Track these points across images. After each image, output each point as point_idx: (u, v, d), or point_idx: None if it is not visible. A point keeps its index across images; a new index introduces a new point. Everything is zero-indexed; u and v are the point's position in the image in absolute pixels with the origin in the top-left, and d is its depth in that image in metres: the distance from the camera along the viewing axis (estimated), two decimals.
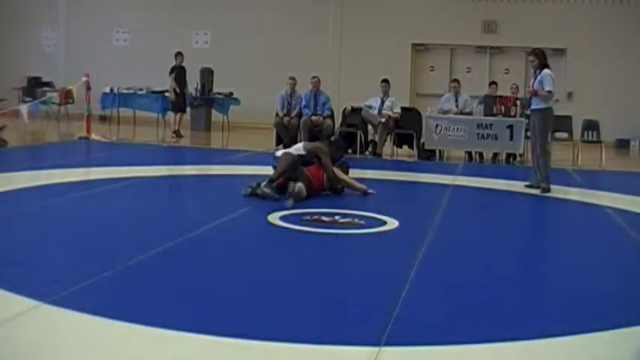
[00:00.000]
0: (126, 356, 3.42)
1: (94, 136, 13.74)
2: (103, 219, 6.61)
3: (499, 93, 13.47)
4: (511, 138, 12.27)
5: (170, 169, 10.69)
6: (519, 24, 17.06)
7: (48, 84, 18.51)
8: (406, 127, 13.26)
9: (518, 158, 12.90)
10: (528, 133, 10.96)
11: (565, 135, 13.38)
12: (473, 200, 9.01)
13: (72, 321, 3.79)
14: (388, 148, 13.31)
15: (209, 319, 3.88)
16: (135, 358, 3.42)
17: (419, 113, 13.53)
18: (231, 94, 16.97)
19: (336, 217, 6.73)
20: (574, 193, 9.41)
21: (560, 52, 17.13)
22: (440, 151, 13.08)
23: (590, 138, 13.45)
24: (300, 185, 7.64)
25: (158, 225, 6.58)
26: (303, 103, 13.29)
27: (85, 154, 12.36)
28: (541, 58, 9.32)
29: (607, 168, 12.38)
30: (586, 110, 14.68)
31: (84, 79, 14.05)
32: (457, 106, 13.14)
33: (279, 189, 7.67)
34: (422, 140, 13.00)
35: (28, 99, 16.93)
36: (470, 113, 13.00)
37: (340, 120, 13.72)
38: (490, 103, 12.65)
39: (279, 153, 8.31)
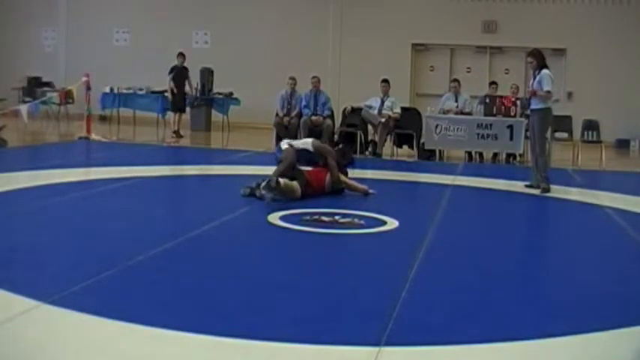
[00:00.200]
0: (126, 356, 3.42)
1: (94, 136, 13.74)
2: (103, 219, 6.61)
3: (499, 93, 13.48)
4: (511, 138, 12.28)
5: (170, 169, 10.69)
6: (519, 24, 17.06)
7: (48, 84, 18.52)
8: (406, 127, 13.26)
9: (518, 158, 12.90)
10: (528, 133, 10.96)
11: (565, 135, 13.38)
12: (473, 200, 9.02)
13: (72, 321, 3.79)
14: (388, 148, 13.31)
15: (209, 319, 3.88)
16: (135, 358, 3.42)
17: (419, 113, 13.53)
18: (231, 94, 16.98)
19: (336, 217, 6.73)
20: (574, 193, 9.41)
21: (560, 52, 17.14)
22: (440, 151, 13.08)
23: (590, 138, 13.46)
24: (291, 183, 7.61)
25: (158, 225, 6.58)
26: (303, 103, 13.30)
27: (85, 154, 12.36)
28: (539, 59, 9.33)
29: (607, 168, 12.38)
30: (586, 110, 14.68)
31: (84, 79, 14.06)
32: (457, 106, 13.14)
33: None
34: (422, 140, 13.00)
35: (28, 99, 16.94)
36: (470, 113, 13.01)
37: (340, 120, 13.72)
38: (490, 103, 12.65)
39: (284, 145, 8.28)
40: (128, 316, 3.82)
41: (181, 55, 14.90)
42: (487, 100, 12.74)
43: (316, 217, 6.70)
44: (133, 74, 17.64)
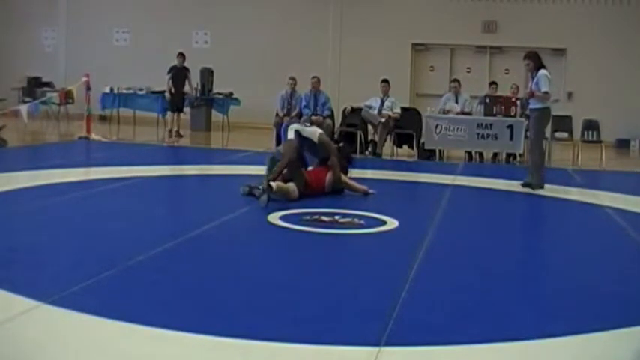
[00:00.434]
0: (126, 356, 3.42)
1: (94, 136, 13.74)
2: (103, 219, 6.61)
3: (499, 93, 13.48)
4: (511, 138, 12.27)
5: (170, 169, 10.69)
6: (519, 24, 17.05)
7: (48, 84, 18.51)
8: (406, 127, 13.26)
9: (518, 158, 12.90)
10: (528, 133, 10.97)
11: (565, 135, 13.38)
12: (473, 200, 9.02)
13: (72, 321, 3.79)
14: (388, 148, 13.31)
15: (209, 319, 3.88)
16: (135, 358, 3.42)
17: (419, 113, 13.54)
18: (231, 94, 16.97)
19: (336, 217, 6.73)
20: (574, 193, 9.41)
21: (560, 52, 17.14)
22: (440, 151, 13.08)
23: (590, 138, 13.45)
24: (287, 185, 7.61)
25: (158, 225, 6.58)
26: (303, 103, 13.30)
27: (85, 154, 12.36)
28: (535, 60, 9.37)
29: (607, 168, 12.38)
30: (586, 110, 14.68)
31: (84, 79, 14.06)
32: (456, 103, 13.14)
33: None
34: (422, 140, 13.00)
35: (28, 99, 16.94)
36: (470, 113, 13.01)
37: (340, 120, 13.73)
38: (490, 103, 12.65)
39: (290, 134, 8.21)
40: (128, 316, 3.82)
41: (181, 55, 14.91)
42: (487, 100, 12.75)
43: (316, 217, 6.70)
44: (133, 74, 17.64)
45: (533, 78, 9.33)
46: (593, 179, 10.95)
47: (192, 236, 5.85)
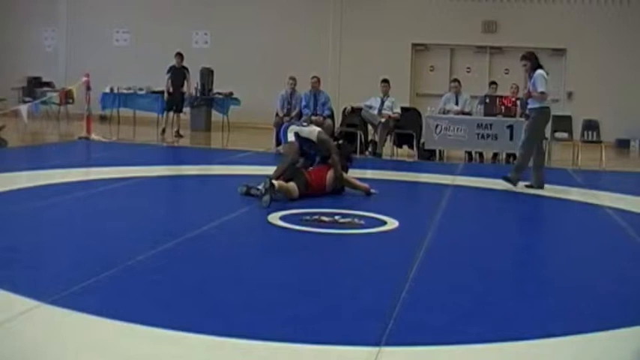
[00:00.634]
0: (126, 356, 3.42)
1: (94, 136, 13.74)
2: (103, 219, 6.61)
3: (499, 93, 13.49)
4: (511, 138, 12.27)
5: (170, 169, 10.69)
6: (519, 24, 17.06)
7: (48, 84, 18.52)
8: (406, 127, 13.26)
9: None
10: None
11: (565, 135, 13.38)
12: (473, 200, 9.01)
13: (72, 321, 3.79)
14: (388, 148, 13.31)
15: (209, 319, 3.88)
16: (135, 358, 3.42)
17: (419, 113, 13.54)
18: (231, 94, 16.98)
19: (336, 217, 6.73)
20: (574, 193, 9.41)
21: (560, 52, 17.16)
22: (440, 151, 13.08)
23: (590, 138, 13.45)
24: (288, 185, 7.62)
25: (158, 225, 6.58)
26: (303, 103, 13.30)
27: (85, 154, 12.36)
28: (533, 61, 9.40)
29: (607, 168, 12.38)
30: (586, 110, 14.69)
31: (84, 79, 14.07)
32: (457, 105, 13.14)
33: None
34: (422, 140, 13.00)
35: (28, 99, 16.94)
36: (470, 113, 13.01)
37: (340, 120, 13.73)
38: (490, 103, 12.66)
39: (290, 136, 8.20)
40: (128, 316, 3.82)
41: (179, 55, 14.95)
42: (487, 100, 12.75)
43: (316, 217, 6.70)
44: (133, 74, 17.65)
45: (530, 78, 9.36)
46: (593, 179, 10.94)
47: (192, 236, 5.85)
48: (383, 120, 12.85)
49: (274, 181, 7.37)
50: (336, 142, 8.97)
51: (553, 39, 16.85)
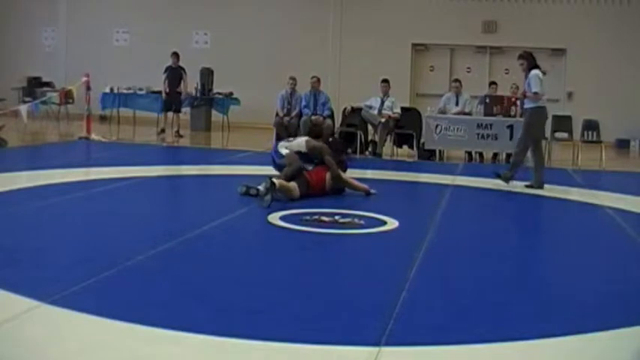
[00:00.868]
0: (126, 356, 3.42)
1: (94, 136, 13.75)
2: (103, 219, 6.61)
3: (499, 93, 13.48)
4: (511, 138, 12.26)
5: (170, 169, 10.69)
6: (519, 24, 17.06)
7: (48, 84, 18.51)
8: (406, 127, 13.26)
9: None
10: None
11: (565, 135, 13.38)
12: (473, 200, 9.01)
13: (72, 321, 3.79)
14: (388, 148, 13.31)
15: (209, 319, 3.88)
16: (135, 358, 3.42)
17: (419, 113, 13.54)
18: (231, 94, 16.98)
19: (336, 217, 6.73)
20: (574, 193, 9.41)
21: (560, 52, 17.16)
22: (440, 151, 13.08)
23: (590, 138, 13.45)
24: (288, 184, 7.62)
25: (158, 225, 6.58)
26: (303, 103, 13.30)
27: (85, 154, 12.36)
28: (530, 60, 9.43)
29: (607, 168, 12.38)
30: (586, 110, 14.68)
31: (84, 79, 14.07)
32: (457, 106, 13.14)
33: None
34: (422, 140, 13.00)
35: (28, 99, 16.93)
36: (470, 113, 13.01)
37: (340, 120, 13.72)
38: (490, 103, 12.66)
39: (284, 151, 8.25)
40: (128, 316, 3.82)
41: (175, 54, 14.96)
42: (487, 100, 12.76)
43: (316, 217, 6.70)
44: (132, 74, 17.64)
45: (526, 78, 9.40)
46: (593, 179, 10.94)
47: (192, 236, 5.85)
48: (383, 120, 12.85)
49: (275, 180, 7.36)
50: (329, 140, 9.02)
51: (553, 39, 16.85)
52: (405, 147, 13.55)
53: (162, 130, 14.92)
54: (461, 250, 5.96)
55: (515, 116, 12.41)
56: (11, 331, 3.67)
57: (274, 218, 6.66)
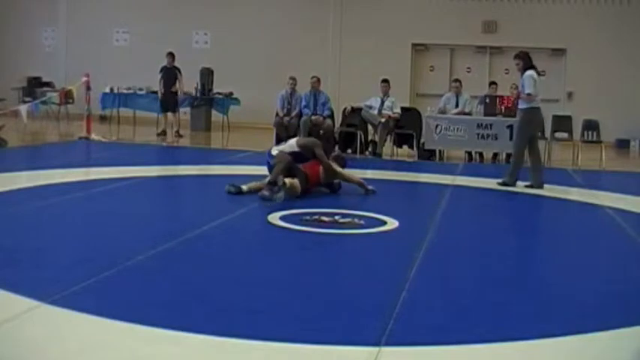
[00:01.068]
0: (126, 356, 3.42)
1: (94, 136, 13.75)
2: (103, 219, 6.61)
3: (499, 93, 13.48)
4: (511, 138, 12.21)
5: (170, 169, 10.69)
6: (519, 24, 17.06)
7: (48, 84, 18.51)
8: (406, 127, 13.26)
9: None
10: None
11: (565, 135, 13.38)
12: (473, 200, 9.01)
13: (72, 321, 3.79)
14: (388, 148, 13.31)
15: (209, 319, 3.88)
16: (135, 358, 3.42)
17: (419, 113, 13.54)
18: (231, 94, 16.98)
19: (336, 217, 6.73)
20: (574, 193, 9.41)
21: (560, 52, 17.16)
22: (440, 151, 13.08)
23: (590, 138, 13.44)
24: (293, 181, 7.68)
25: (158, 225, 6.58)
26: (303, 103, 13.30)
27: (85, 154, 12.36)
28: (525, 60, 9.44)
29: (607, 168, 12.38)
30: (586, 110, 14.68)
31: (84, 79, 14.07)
32: (457, 106, 13.14)
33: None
34: (422, 140, 13.00)
35: (28, 99, 16.93)
36: (470, 113, 13.01)
37: (340, 120, 13.72)
38: (490, 103, 12.66)
39: (275, 152, 8.31)
40: (128, 316, 3.82)
41: (170, 54, 14.97)
42: (487, 100, 12.76)
43: (316, 217, 6.70)
44: (132, 74, 17.63)
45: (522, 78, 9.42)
46: (593, 179, 10.94)
47: (192, 236, 5.85)
48: (383, 120, 12.85)
49: (285, 180, 7.56)
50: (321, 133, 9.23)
51: (553, 39, 16.86)
52: (405, 147, 13.55)
53: (163, 132, 14.88)
54: (461, 250, 5.96)
55: (515, 116, 12.37)
56: (11, 331, 3.67)
57: (274, 218, 6.66)
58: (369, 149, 13.16)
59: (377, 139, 12.97)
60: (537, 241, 6.96)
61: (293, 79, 13.44)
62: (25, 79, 18.31)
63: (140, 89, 16.94)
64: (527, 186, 9.40)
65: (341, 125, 13.58)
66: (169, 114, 15.05)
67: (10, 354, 3.38)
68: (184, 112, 16.52)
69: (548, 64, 16.88)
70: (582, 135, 13.50)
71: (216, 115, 17.01)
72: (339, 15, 18.10)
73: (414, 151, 13.17)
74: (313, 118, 13.06)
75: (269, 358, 3.46)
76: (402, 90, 16.27)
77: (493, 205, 8.70)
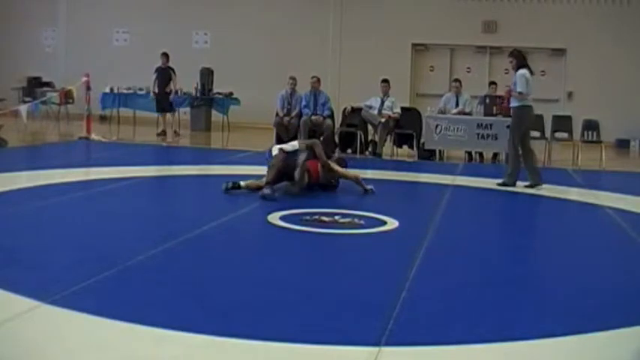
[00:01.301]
0: (126, 356, 3.42)
1: (94, 136, 13.75)
2: (103, 219, 6.61)
3: (499, 93, 13.47)
4: None
5: (170, 169, 10.68)
6: (519, 24, 17.06)
7: (48, 84, 18.50)
8: (406, 127, 13.27)
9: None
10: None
11: (565, 135, 13.38)
12: (473, 200, 9.01)
13: (72, 321, 3.79)
14: (388, 148, 13.31)
15: (209, 319, 3.88)
16: (135, 358, 3.42)
17: (419, 113, 13.54)
18: (231, 94, 16.98)
19: (336, 217, 6.73)
20: (574, 193, 9.41)
21: (560, 52, 17.16)
22: (440, 151, 13.08)
23: (590, 138, 13.44)
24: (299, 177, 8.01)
25: (158, 225, 6.58)
26: (303, 103, 13.30)
27: (85, 154, 12.36)
28: (519, 59, 9.49)
29: (607, 168, 12.38)
30: (586, 110, 14.68)
31: (84, 79, 14.07)
32: (457, 106, 13.14)
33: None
34: (422, 140, 13.00)
35: (28, 99, 16.92)
36: (470, 113, 13.01)
37: (340, 120, 13.72)
38: (490, 103, 12.66)
39: (275, 151, 8.32)
40: (128, 316, 3.82)
41: (164, 55, 14.98)
42: (487, 100, 12.76)
43: (316, 217, 6.70)
44: (132, 74, 17.62)
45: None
46: (593, 179, 10.94)
47: (192, 236, 5.85)
48: (383, 120, 12.85)
49: (296, 174, 7.94)
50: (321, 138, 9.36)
51: (553, 39, 16.86)
52: (405, 147, 13.56)
53: (163, 132, 14.88)
54: (461, 250, 5.96)
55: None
56: (11, 331, 3.67)
57: (274, 218, 6.66)
58: (369, 149, 13.17)
59: (377, 139, 12.97)
60: (537, 241, 6.96)
61: (293, 79, 13.44)
62: (25, 79, 18.30)
63: (140, 89, 16.93)
64: (527, 186, 9.40)
65: (341, 125, 13.58)
66: (167, 114, 15.05)
67: (10, 354, 3.38)
68: (184, 112, 16.52)
69: (548, 64, 16.91)
70: (582, 135, 13.50)
71: (216, 115, 17.01)
72: (339, 15, 18.10)
73: (414, 151, 13.18)
74: (313, 118, 13.06)
75: (269, 358, 3.46)
76: (402, 90, 16.28)
77: (493, 205, 8.70)
